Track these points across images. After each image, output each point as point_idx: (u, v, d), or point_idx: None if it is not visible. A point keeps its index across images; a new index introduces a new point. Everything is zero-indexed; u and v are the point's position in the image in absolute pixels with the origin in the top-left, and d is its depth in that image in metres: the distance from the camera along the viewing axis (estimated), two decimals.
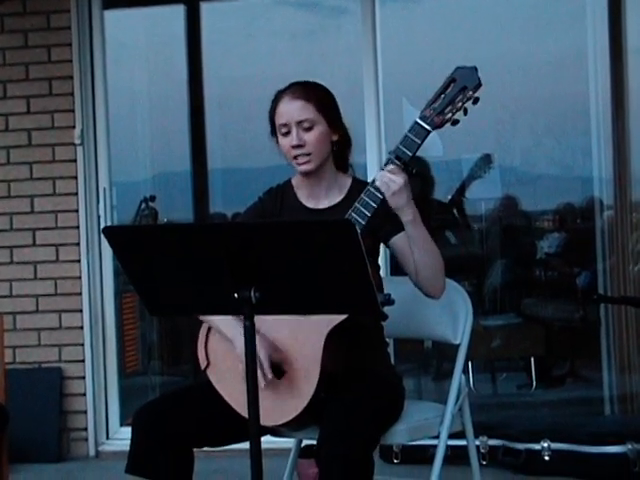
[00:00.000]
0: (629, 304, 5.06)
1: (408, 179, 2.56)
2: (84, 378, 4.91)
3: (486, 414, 5.07)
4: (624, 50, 5.15)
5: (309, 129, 2.73)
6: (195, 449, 2.71)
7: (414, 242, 2.61)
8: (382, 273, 2.88)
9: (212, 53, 6.13)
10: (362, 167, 4.59)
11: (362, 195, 2.58)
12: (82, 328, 4.92)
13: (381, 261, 3.05)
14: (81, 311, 4.93)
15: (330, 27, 5.78)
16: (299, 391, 2.60)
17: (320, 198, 2.82)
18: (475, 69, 2.56)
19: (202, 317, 2.75)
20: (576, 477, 4.08)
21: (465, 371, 2.95)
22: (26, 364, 4.93)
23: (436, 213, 5.81)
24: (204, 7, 6.02)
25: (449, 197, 5.86)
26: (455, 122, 2.58)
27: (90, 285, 4.93)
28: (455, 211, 5.83)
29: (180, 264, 2.22)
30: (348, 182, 2.83)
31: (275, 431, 2.75)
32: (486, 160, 5.61)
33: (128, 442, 2.68)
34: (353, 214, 2.57)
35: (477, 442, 4.15)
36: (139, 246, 2.23)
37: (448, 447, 2.89)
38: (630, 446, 4.07)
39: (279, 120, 2.76)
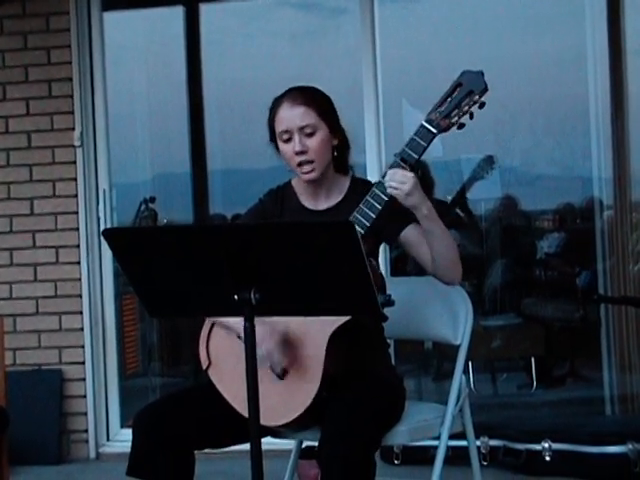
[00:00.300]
0: (629, 304, 5.06)
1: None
2: (84, 380, 4.91)
3: (487, 414, 5.08)
4: (623, 51, 5.16)
5: (311, 134, 2.72)
6: (196, 451, 2.71)
7: (432, 235, 2.65)
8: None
9: (211, 54, 6.12)
10: (362, 167, 4.59)
11: (367, 197, 2.59)
12: (82, 330, 4.92)
13: (381, 261, 3.05)
14: (81, 313, 4.93)
15: (329, 28, 5.77)
16: (301, 392, 2.60)
17: (320, 199, 2.83)
18: (481, 73, 2.57)
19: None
20: (577, 477, 4.07)
21: (465, 371, 2.94)
22: (26, 366, 4.92)
23: (437, 213, 5.79)
24: (203, 8, 6.01)
25: (449, 197, 5.86)
26: (461, 126, 2.60)
27: (90, 287, 4.93)
28: (459, 211, 5.82)
29: (180, 266, 2.21)
30: (347, 182, 2.84)
31: (276, 432, 2.75)
32: (488, 161, 5.60)
33: (129, 444, 2.68)
34: (357, 215, 2.58)
35: (478, 442, 4.16)
36: (139, 248, 2.23)
37: (449, 448, 2.89)
38: (631, 446, 4.07)
39: (280, 127, 2.74)
